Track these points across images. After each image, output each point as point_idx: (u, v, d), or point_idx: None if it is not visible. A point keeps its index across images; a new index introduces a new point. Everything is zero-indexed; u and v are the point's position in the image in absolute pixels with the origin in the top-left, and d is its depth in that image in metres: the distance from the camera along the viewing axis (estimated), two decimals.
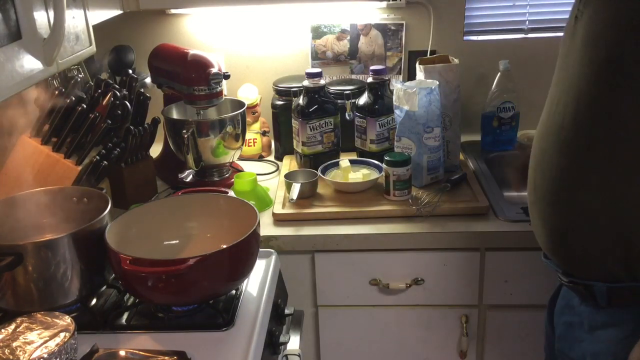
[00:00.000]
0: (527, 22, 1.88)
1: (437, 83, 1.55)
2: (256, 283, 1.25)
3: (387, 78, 1.68)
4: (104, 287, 1.23)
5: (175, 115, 1.68)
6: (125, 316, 1.16)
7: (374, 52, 1.90)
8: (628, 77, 0.91)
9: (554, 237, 1.05)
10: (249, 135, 1.84)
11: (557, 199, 1.02)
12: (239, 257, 1.13)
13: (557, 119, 1.01)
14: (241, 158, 1.82)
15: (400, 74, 1.92)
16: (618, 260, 0.97)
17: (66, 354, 0.94)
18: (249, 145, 1.86)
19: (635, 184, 0.93)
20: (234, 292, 1.20)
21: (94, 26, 1.33)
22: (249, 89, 1.88)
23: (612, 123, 0.94)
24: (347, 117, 1.72)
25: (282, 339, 1.22)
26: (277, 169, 1.79)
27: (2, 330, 0.96)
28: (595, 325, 1.02)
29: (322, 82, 1.66)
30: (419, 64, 1.64)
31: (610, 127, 0.94)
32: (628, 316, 0.98)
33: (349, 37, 1.89)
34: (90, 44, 1.31)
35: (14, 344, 0.93)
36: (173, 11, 1.88)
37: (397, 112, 1.59)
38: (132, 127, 1.50)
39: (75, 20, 1.24)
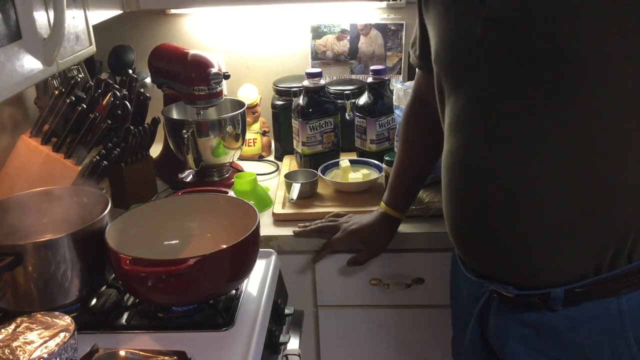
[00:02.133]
0: None
1: None
2: (256, 283, 1.25)
3: (387, 78, 1.68)
4: (104, 287, 1.23)
5: (175, 115, 1.68)
6: (125, 316, 1.15)
7: (374, 52, 1.90)
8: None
9: (506, 255, 1.00)
10: (249, 135, 1.84)
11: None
12: (239, 257, 1.13)
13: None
14: (241, 158, 1.82)
15: (400, 74, 1.92)
16: (588, 257, 0.94)
17: (66, 354, 0.93)
18: (249, 145, 1.86)
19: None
20: (234, 292, 1.20)
21: (94, 26, 1.32)
22: (249, 89, 1.88)
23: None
24: (347, 117, 1.72)
25: (282, 339, 1.22)
26: (277, 169, 1.79)
27: (2, 330, 0.96)
28: (572, 325, 0.98)
29: (322, 82, 1.66)
30: None
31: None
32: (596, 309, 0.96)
33: (349, 37, 1.89)
34: (90, 44, 1.31)
35: (14, 344, 0.93)
36: (173, 11, 1.88)
37: (397, 112, 1.59)
38: (132, 127, 1.50)
39: (75, 20, 1.24)
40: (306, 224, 1.43)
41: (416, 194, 1.41)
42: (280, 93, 1.80)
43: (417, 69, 1.29)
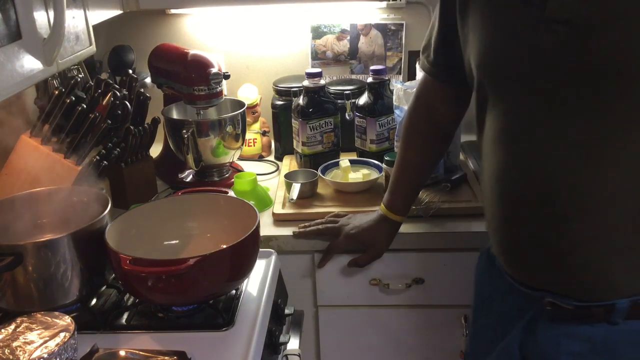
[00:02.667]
0: None
1: None
2: (256, 283, 1.25)
3: (387, 78, 1.68)
4: (104, 287, 1.23)
5: (175, 115, 1.68)
6: (125, 316, 1.15)
7: (374, 52, 1.90)
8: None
9: (572, 271, 0.95)
10: (249, 135, 1.84)
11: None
12: (239, 257, 1.13)
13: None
14: (241, 158, 1.82)
15: (400, 74, 1.92)
16: None
17: (66, 354, 0.93)
18: (249, 145, 1.86)
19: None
20: (234, 292, 1.20)
21: (94, 26, 1.32)
22: (249, 89, 1.88)
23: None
24: (347, 117, 1.72)
25: (282, 339, 1.22)
26: (277, 169, 1.79)
27: (2, 330, 0.96)
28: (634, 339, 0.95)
29: (322, 82, 1.66)
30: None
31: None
32: None
33: (349, 37, 1.89)
34: (90, 44, 1.31)
35: (14, 344, 0.93)
36: (173, 11, 1.88)
37: (397, 112, 1.59)
38: (132, 127, 1.50)
39: (75, 20, 1.24)
40: (306, 224, 1.43)
41: (416, 197, 1.41)
42: (280, 93, 1.80)
43: (424, 74, 1.24)
